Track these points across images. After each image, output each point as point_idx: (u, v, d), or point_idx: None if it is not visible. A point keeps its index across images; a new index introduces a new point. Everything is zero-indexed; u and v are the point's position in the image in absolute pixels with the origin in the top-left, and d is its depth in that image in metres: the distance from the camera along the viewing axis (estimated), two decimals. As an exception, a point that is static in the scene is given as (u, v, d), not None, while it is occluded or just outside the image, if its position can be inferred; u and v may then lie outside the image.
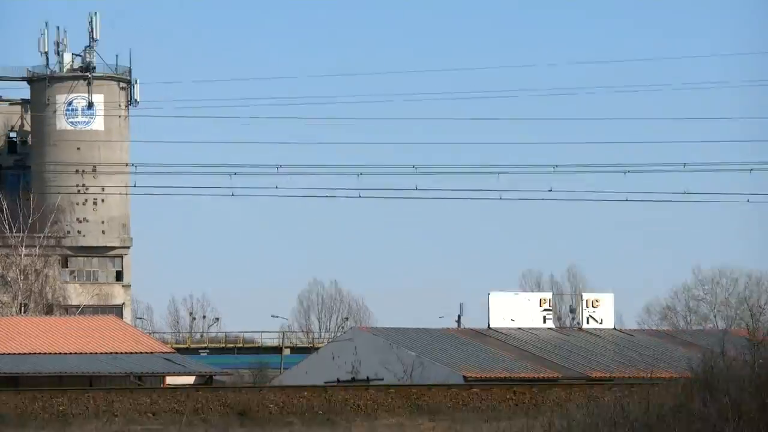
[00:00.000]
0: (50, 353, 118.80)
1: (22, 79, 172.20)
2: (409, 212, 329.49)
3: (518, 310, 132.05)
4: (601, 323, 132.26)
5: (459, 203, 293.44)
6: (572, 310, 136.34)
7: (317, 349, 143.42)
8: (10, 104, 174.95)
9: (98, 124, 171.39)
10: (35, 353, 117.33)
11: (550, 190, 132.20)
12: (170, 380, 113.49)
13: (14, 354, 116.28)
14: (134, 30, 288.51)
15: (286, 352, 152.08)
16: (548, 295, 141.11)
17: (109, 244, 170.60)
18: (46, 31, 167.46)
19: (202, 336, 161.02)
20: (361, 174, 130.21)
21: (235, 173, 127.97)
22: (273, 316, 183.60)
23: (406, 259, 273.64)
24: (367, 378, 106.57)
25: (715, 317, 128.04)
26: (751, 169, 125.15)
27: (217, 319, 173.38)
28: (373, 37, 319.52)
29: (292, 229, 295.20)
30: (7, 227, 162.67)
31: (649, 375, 69.96)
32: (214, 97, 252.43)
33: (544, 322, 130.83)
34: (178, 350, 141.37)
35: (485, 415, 70.77)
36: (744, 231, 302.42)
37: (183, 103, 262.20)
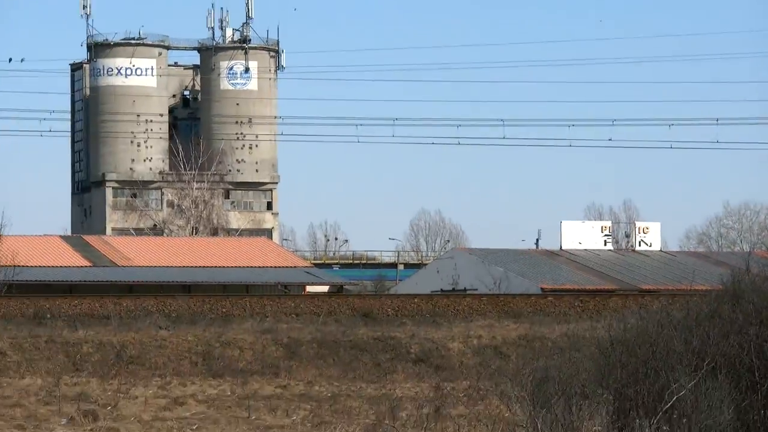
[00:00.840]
0: (215, 266, 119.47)
1: (194, 48, 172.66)
2: (498, 156, 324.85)
3: (584, 235, 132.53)
4: (650, 246, 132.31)
5: (537, 150, 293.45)
6: (627, 236, 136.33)
7: (425, 265, 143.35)
8: (184, 69, 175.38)
9: (252, 85, 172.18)
10: (203, 266, 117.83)
11: (610, 139, 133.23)
12: (309, 289, 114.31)
13: (187, 267, 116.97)
14: (282, 8, 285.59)
15: (400, 267, 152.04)
16: (608, 224, 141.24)
17: (261, 180, 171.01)
18: (212, 10, 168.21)
19: (334, 254, 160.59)
20: (459, 126, 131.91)
21: (360, 125, 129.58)
22: (390, 239, 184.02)
23: (496, 193, 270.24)
24: (464, 288, 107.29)
25: (741, 242, 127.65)
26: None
27: (346, 240, 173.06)
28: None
29: (405, 170, 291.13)
30: (182, 166, 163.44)
31: (688, 287, 70.53)
32: (345, 64, 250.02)
33: (605, 245, 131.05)
34: (315, 265, 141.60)
35: (557, 319, 71.57)
36: (764, 173, 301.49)
37: (320, 68, 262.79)
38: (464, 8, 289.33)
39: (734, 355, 39.23)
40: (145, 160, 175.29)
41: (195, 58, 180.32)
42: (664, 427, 29.29)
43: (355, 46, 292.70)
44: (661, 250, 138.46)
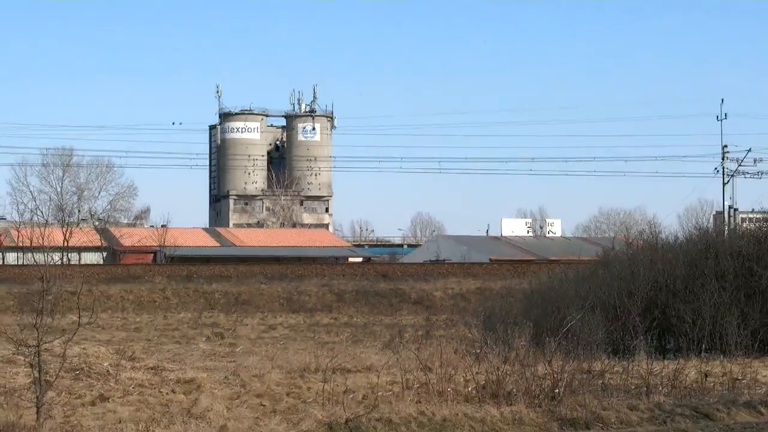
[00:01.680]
0: (294, 246, 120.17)
1: (282, 116, 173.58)
2: (467, 179, 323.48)
3: (515, 227, 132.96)
4: (555, 234, 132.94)
5: (494, 176, 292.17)
6: (541, 227, 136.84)
7: (420, 245, 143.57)
8: (276, 128, 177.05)
9: (317, 137, 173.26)
10: (287, 246, 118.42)
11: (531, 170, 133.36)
12: (351, 260, 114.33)
13: (277, 246, 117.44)
14: (337, 87, 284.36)
15: (405, 246, 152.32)
16: (530, 220, 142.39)
17: (321, 195, 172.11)
18: (293, 92, 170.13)
19: (365, 239, 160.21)
20: (440, 161, 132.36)
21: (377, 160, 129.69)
22: (399, 229, 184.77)
23: (464, 201, 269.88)
24: (444, 259, 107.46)
25: (609, 231, 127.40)
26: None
27: (373, 230, 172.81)
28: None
29: (406, 186, 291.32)
30: (275, 186, 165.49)
31: (578, 258, 70.53)
32: (373, 124, 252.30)
33: (527, 233, 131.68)
34: (354, 246, 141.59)
35: (500, 277, 71.70)
36: (626, 190, 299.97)
37: (358, 128, 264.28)
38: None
39: (604, 299, 39.06)
40: (253, 183, 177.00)
41: (282, 122, 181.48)
42: (563, 342, 29.13)
43: (383, 112, 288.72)
44: (561, 236, 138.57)
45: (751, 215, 77.62)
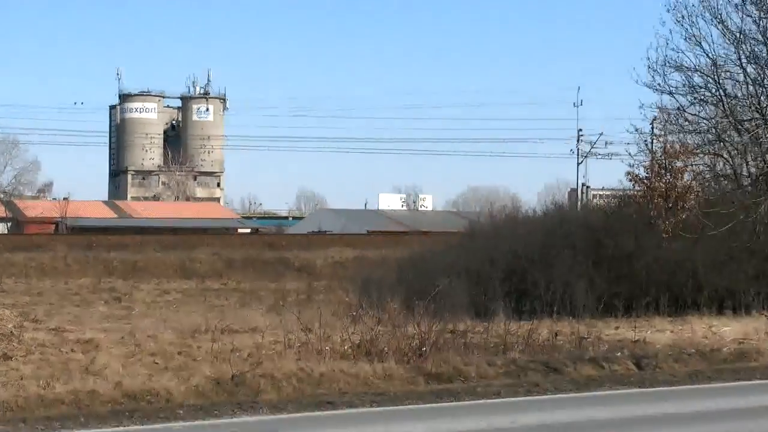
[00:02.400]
0: (188, 218, 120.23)
1: (178, 97, 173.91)
2: (349, 157, 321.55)
3: (392, 202, 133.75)
4: (427, 208, 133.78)
5: (373, 155, 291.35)
6: (414, 202, 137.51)
7: (304, 218, 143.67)
8: (173, 109, 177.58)
9: (210, 118, 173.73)
10: (182, 218, 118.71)
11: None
12: (240, 231, 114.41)
13: (172, 218, 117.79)
14: (229, 71, 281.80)
15: (290, 218, 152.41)
16: (404, 195, 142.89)
17: (214, 171, 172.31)
18: (190, 74, 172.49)
19: (253, 212, 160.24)
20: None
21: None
22: (285, 203, 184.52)
23: (345, 178, 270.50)
24: (325, 231, 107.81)
25: (476, 207, 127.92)
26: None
27: (260, 204, 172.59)
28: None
29: (292, 165, 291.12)
30: (170, 162, 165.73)
31: (447, 230, 70.91)
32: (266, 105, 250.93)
33: (402, 207, 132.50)
34: (243, 218, 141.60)
35: (376, 246, 71.83)
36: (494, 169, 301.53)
37: (252, 109, 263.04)
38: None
39: (469, 267, 39.57)
40: (150, 159, 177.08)
41: (178, 103, 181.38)
42: (431, 306, 29.53)
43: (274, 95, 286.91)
44: (432, 210, 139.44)
45: (601, 192, 78.70)
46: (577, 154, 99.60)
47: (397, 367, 23.92)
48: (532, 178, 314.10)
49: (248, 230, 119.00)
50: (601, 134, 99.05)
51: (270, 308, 40.41)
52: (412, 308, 30.31)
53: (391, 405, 20.33)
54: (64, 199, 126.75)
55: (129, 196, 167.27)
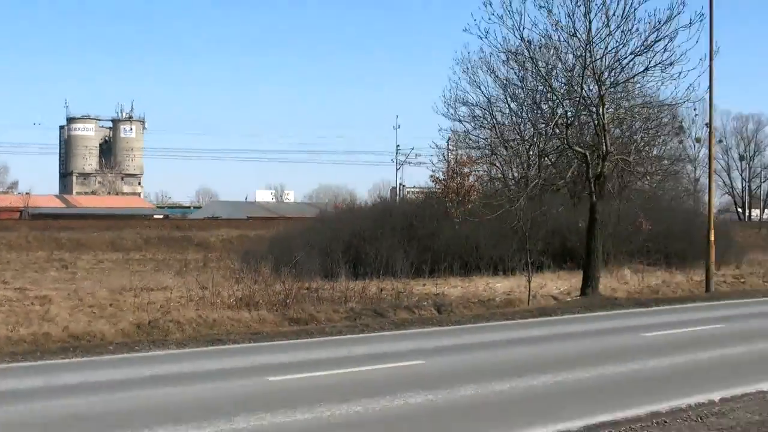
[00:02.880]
0: (118, 207, 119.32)
1: (110, 120, 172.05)
2: (237, 165, 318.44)
3: (265, 195, 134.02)
4: (290, 200, 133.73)
5: (250, 162, 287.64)
6: (281, 195, 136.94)
7: (201, 207, 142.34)
8: (107, 128, 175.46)
9: (133, 135, 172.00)
10: (115, 207, 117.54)
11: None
12: (155, 217, 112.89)
13: (110, 207, 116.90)
14: (148, 97, 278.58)
15: (192, 208, 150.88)
16: (274, 191, 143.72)
17: (136, 173, 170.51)
18: (118, 103, 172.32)
19: (165, 203, 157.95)
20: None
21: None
22: (188, 196, 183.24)
23: (233, 183, 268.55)
24: (217, 217, 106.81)
25: (328, 200, 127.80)
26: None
27: (170, 197, 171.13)
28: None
29: (192, 169, 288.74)
30: (104, 166, 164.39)
31: (305, 216, 70.67)
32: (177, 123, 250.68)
33: (272, 199, 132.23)
34: (157, 207, 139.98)
35: (253, 228, 71.18)
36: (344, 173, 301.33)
37: (167, 125, 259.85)
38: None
39: (320, 242, 39.58)
40: (89, 165, 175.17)
41: (110, 124, 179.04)
42: (293, 270, 29.58)
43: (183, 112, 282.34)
44: (294, 202, 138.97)
45: (413, 189, 79.37)
46: (396, 162, 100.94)
47: (268, 314, 23.91)
48: (365, 179, 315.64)
49: (161, 216, 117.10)
50: (413, 149, 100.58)
51: (177, 273, 40.03)
52: (279, 272, 30.34)
53: (264, 341, 20.32)
54: (26, 193, 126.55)
55: (74, 192, 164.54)
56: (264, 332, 21.74)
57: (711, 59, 33.68)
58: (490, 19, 30.41)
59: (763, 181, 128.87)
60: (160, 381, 14.87)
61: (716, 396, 13.79)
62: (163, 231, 73.32)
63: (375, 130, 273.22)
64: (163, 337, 20.40)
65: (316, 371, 15.80)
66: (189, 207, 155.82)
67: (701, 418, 12.19)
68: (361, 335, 21.68)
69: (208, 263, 45.83)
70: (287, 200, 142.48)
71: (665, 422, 11.94)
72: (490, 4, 29.98)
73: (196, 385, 14.50)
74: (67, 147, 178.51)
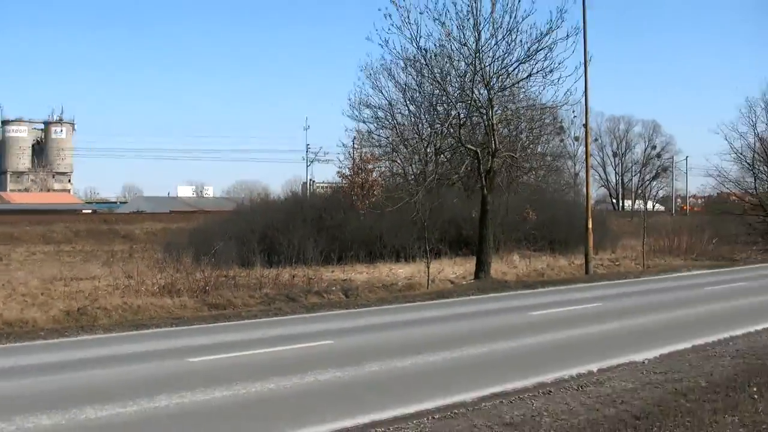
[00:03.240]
0: (52, 203, 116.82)
1: (42, 122, 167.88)
2: (154, 163, 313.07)
3: (186, 191, 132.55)
4: (209, 195, 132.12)
5: (184, 161, 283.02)
6: (201, 191, 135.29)
7: (127, 202, 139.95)
8: (39, 130, 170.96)
9: (64, 136, 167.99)
10: (48, 202, 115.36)
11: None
12: (84, 211, 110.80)
13: (41, 203, 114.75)
14: (79, 100, 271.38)
15: (119, 203, 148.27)
16: (194, 186, 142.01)
17: (66, 171, 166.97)
18: (51, 107, 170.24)
19: (93, 199, 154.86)
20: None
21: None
22: (115, 192, 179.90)
23: (159, 177, 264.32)
24: (142, 211, 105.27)
25: (243, 195, 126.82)
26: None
27: (98, 193, 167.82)
28: None
29: (117, 168, 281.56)
30: (37, 165, 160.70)
31: (223, 209, 70.08)
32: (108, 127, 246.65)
33: (193, 194, 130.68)
34: (86, 203, 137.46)
35: (175, 221, 70.41)
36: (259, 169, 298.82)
37: (96, 126, 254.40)
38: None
39: (237, 233, 39.20)
40: (23, 164, 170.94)
41: (42, 126, 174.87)
42: (212, 259, 29.28)
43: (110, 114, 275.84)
44: (213, 196, 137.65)
45: (322, 184, 78.96)
46: (306, 160, 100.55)
47: (189, 300, 23.63)
48: (279, 176, 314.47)
49: (90, 211, 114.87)
50: (321, 147, 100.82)
51: (104, 263, 39.23)
52: (200, 261, 30.01)
53: (185, 326, 20.05)
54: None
55: (8, 189, 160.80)
56: (185, 317, 21.46)
57: (586, 67, 34.53)
58: (389, 29, 30.44)
59: (634, 175, 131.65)
60: (89, 364, 14.55)
61: (595, 367, 14.02)
62: (91, 225, 72.05)
63: (288, 130, 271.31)
64: (92, 323, 20.00)
65: (233, 352, 15.64)
66: (116, 202, 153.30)
67: (582, 387, 12.34)
68: (275, 318, 21.52)
69: (133, 254, 45.07)
70: (207, 195, 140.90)
71: (550, 392, 12.07)
72: (390, 15, 30.00)
73: (121, 367, 14.23)
74: (1, 147, 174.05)
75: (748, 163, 57.16)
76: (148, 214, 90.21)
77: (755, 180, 57.40)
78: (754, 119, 56.96)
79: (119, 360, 14.96)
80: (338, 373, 13.50)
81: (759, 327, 18.88)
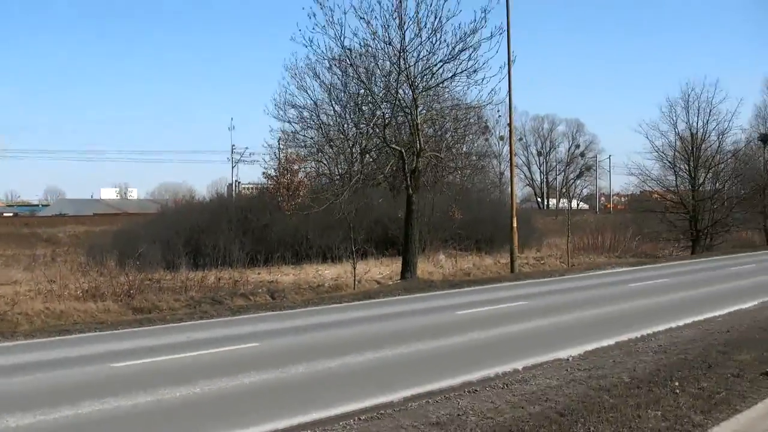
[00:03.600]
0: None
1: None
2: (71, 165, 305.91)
3: (110, 193, 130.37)
4: (133, 197, 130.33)
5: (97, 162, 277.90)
6: (125, 192, 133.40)
7: (50, 205, 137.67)
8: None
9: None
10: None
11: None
12: (5, 215, 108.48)
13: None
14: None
15: (41, 206, 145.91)
16: (118, 189, 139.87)
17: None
18: None
19: (15, 202, 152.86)
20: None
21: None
22: (37, 195, 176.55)
23: (79, 178, 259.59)
24: (65, 214, 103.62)
25: (167, 197, 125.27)
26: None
27: (20, 196, 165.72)
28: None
29: (41, 171, 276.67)
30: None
31: (147, 211, 69.38)
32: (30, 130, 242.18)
33: (117, 196, 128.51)
34: (7, 206, 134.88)
35: (100, 224, 69.33)
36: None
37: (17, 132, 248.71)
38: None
39: (162, 235, 38.80)
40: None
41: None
42: (137, 262, 28.97)
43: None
44: (137, 198, 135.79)
45: (248, 185, 78.79)
46: (232, 161, 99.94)
47: (113, 304, 23.32)
48: (204, 177, 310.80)
49: (11, 214, 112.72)
50: (247, 148, 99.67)
51: (26, 268, 38.45)
52: (124, 264, 29.66)
53: (110, 330, 19.71)
54: None
55: None
56: (109, 322, 21.11)
57: (509, 67, 34.82)
58: (314, 29, 30.40)
59: (559, 174, 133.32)
60: (9, 371, 14.23)
61: (520, 365, 14.14)
62: (12, 228, 70.51)
63: (213, 131, 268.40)
64: (12, 330, 19.58)
65: (158, 356, 15.45)
66: (38, 205, 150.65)
67: (507, 385, 12.42)
68: (200, 321, 21.26)
69: (56, 258, 44.24)
70: (131, 197, 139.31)
71: (476, 390, 12.12)
72: (315, 15, 29.93)
73: (43, 374, 13.95)
74: None
75: (670, 162, 58.25)
76: (71, 217, 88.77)
77: (676, 178, 58.55)
78: (674, 118, 58.00)
79: (41, 366, 14.66)
80: (264, 375, 13.41)
81: (680, 322, 19.24)
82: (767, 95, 79.44)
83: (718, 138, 58.06)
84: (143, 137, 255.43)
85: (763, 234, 65.71)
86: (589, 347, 15.90)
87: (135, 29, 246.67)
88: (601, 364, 14.10)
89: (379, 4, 30.66)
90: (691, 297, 25.45)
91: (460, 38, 30.44)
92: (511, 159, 40.83)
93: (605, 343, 16.43)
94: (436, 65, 31.39)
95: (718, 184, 59.04)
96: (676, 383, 12.03)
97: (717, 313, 20.88)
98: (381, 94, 34.34)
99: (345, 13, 30.22)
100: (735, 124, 79.71)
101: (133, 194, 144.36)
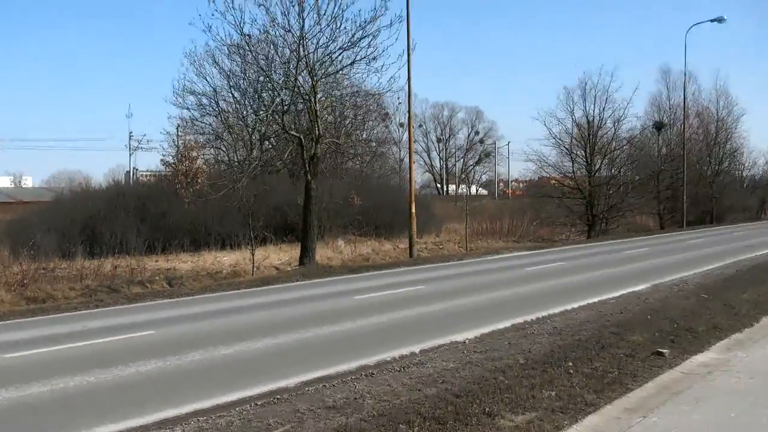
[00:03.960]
0: None
1: None
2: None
3: (3, 182, 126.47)
4: (28, 185, 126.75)
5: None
6: (20, 181, 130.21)
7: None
8: None
9: None
10: None
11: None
12: None
13: None
14: None
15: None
16: (12, 177, 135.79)
17: None
18: None
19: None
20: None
21: None
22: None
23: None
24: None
25: (63, 185, 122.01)
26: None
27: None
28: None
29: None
30: None
31: (41, 200, 67.46)
32: None
33: (10, 185, 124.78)
34: None
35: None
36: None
37: None
38: None
39: (57, 224, 38.04)
40: None
41: None
42: (31, 251, 28.27)
43: None
44: (32, 187, 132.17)
45: (147, 173, 77.59)
46: (129, 148, 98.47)
47: (6, 294, 22.80)
48: (101, 164, 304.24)
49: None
50: (145, 135, 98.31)
51: None
52: (17, 254, 29.00)
53: (1, 321, 19.25)
54: None
55: None
56: (1, 312, 20.61)
57: (409, 54, 35.05)
58: (213, 14, 30.12)
59: (458, 160, 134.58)
60: None
61: (417, 348, 14.26)
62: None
63: (112, 118, 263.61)
64: None
65: (53, 346, 15.15)
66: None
67: (404, 369, 12.51)
68: (96, 310, 20.91)
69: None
70: (25, 185, 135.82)
71: (372, 374, 12.19)
72: (214, 0, 29.64)
73: (-70, 366, 13.55)
74: None
75: (567, 148, 59.36)
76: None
77: (573, 164, 59.60)
78: (572, 106, 59.08)
79: (-73, 359, 14.25)
80: (160, 363, 13.28)
81: (575, 305, 19.61)
82: (662, 84, 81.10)
83: (614, 125, 59.49)
84: (38, 125, 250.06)
85: (657, 218, 67.55)
86: (486, 330, 16.10)
87: (26, 19, 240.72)
88: (496, 346, 14.28)
89: (279, -9, 30.52)
90: (586, 280, 25.94)
91: (360, 26, 30.60)
92: (410, 145, 41.06)
93: (501, 325, 16.66)
94: (335, 52, 31.47)
95: (613, 170, 60.32)
96: (570, 364, 12.27)
97: (611, 296, 21.31)
98: (280, 81, 34.20)
99: (245, -1, 30.05)
100: (630, 112, 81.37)
101: (28, 182, 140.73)
